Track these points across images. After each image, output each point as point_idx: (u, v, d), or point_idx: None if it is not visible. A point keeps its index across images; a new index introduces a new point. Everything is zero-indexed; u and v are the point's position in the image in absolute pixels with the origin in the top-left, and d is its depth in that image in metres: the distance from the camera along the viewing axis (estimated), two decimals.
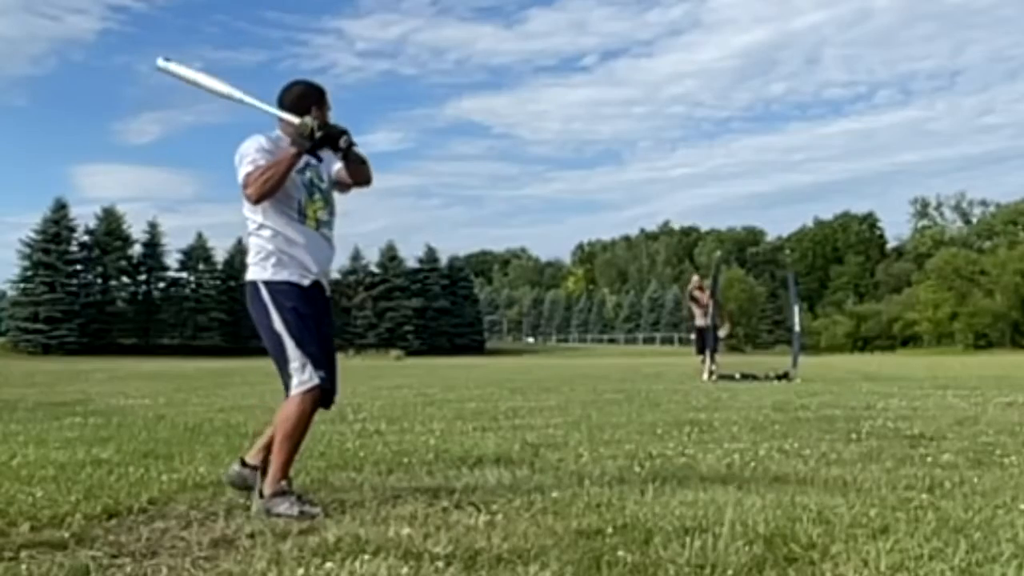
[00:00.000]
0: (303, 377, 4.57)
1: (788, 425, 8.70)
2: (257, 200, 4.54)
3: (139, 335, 75.05)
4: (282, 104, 4.71)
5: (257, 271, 4.64)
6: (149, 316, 76.29)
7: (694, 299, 20.11)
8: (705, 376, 18.61)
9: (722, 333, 19.89)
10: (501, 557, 3.55)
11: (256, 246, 4.66)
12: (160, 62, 4.76)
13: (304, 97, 4.73)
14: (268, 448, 4.78)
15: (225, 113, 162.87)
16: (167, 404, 12.15)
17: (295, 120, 4.56)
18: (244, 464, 4.88)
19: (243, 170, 4.54)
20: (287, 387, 4.64)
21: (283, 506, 4.43)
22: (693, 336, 20.38)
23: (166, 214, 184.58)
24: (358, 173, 4.82)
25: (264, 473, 4.67)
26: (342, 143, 4.57)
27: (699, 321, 19.68)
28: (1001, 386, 15.45)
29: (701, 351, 19.40)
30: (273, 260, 4.61)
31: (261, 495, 4.55)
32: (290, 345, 4.56)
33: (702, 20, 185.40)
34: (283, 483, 4.55)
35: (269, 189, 4.51)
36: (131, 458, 6.35)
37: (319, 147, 4.60)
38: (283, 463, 4.59)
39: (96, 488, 5.06)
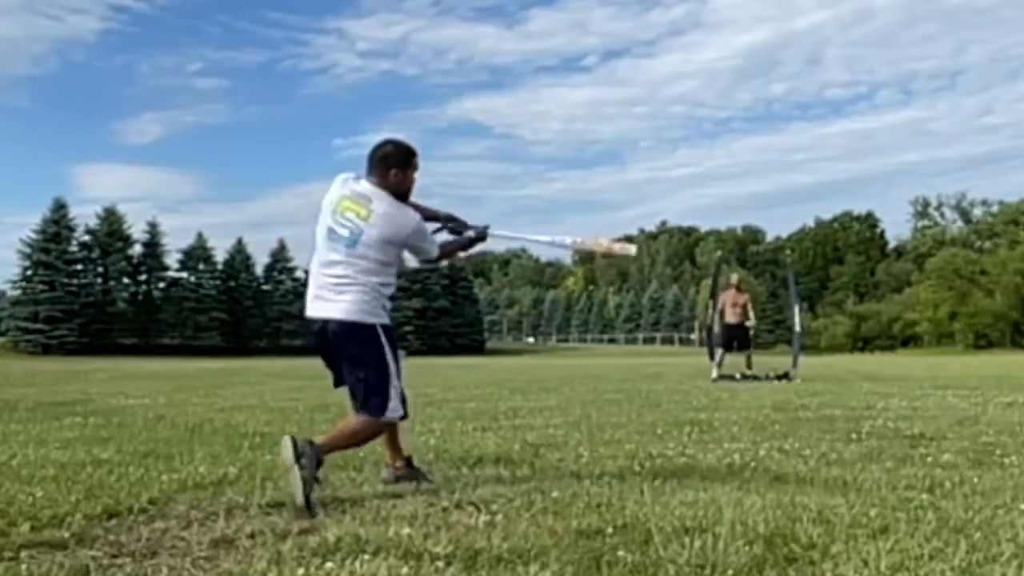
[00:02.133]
0: (393, 405, 5.00)
1: (788, 425, 8.70)
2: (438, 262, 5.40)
3: (139, 335, 74.99)
4: (371, 162, 5.11)
5: (375, 316, 4.98)
6: (149, 316, 76.23)
7: (724, 300, 19.97)
8: (744, 371, 18.68)
9: (751, 323, 19.76)
10: (501, 557, 3.56)
11: (373, 291, 4.97)
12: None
13: (387, 159, 5.09)
14: (396, 445, 5.41)
15: (225, 113, 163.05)
16: (167, 404, 12.15)
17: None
18: (399, 467, 5.41)
19: (434, 246, 5.21)
20: (369, 405, 4.97)
21: (302, 473, 4.60)
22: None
23: (166, 214, 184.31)
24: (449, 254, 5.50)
25: (408, 464, 5.41)
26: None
27: (730, 318, 19.61)
28: (1001, 386, 15.44)
29: (729, 347, 19.36)
30: (387, 307, 5.05)
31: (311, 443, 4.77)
32: (393, 378, 5.01)
33: (703, 20, 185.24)
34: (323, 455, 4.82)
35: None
36: (131, 458, 6.35)
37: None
38: (332, 448, 4.95)
39: (96, 488, 5.06)
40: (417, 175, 5.16)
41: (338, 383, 5.20)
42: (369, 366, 4.96)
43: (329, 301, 4.99)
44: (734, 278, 20.89)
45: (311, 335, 5.15)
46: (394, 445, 5.38)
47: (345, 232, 4.94)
